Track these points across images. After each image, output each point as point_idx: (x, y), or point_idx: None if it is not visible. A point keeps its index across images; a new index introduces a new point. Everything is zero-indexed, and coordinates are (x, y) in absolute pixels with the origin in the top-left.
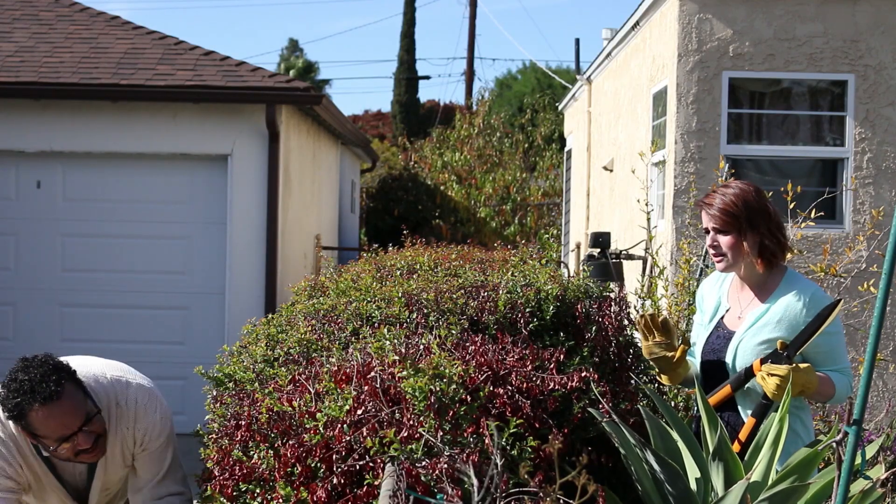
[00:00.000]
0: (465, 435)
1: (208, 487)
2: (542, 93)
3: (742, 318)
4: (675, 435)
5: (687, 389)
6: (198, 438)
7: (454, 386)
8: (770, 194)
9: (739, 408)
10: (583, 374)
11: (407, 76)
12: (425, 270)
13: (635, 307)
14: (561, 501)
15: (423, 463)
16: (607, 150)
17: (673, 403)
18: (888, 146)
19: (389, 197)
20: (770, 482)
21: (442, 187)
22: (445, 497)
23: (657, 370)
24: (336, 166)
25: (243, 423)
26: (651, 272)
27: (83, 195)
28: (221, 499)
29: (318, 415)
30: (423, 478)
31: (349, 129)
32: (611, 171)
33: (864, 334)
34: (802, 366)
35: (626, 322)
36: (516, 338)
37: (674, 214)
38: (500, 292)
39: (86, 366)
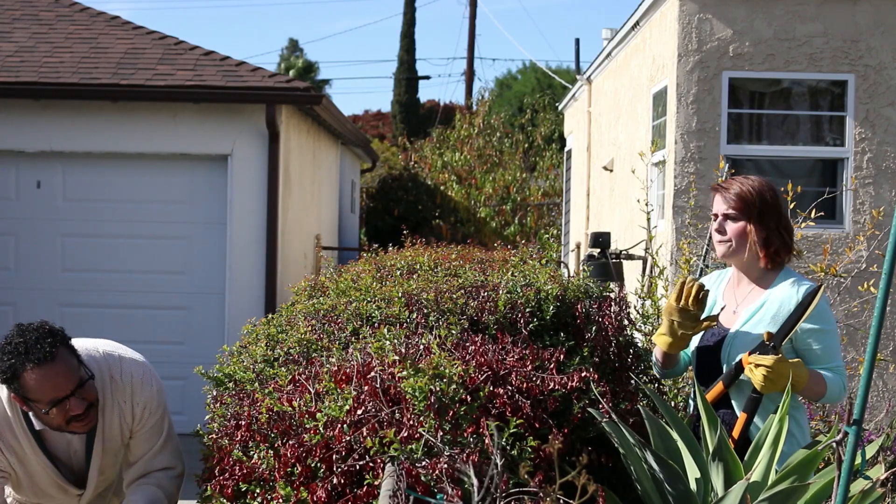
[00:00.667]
0: (465, 435)
1: (208, 487)
2: (542, 93)
3: (737, 313)
4: (674, 435)
5: (687, 389)
6: (198, 438)
7: (454, 386)
8: None
9: (734, 404)
10: (583, 374)
11: (407, 76)
12: (425, 270)
13: (635, 307)
14: (561, 501)
15: (423, 463)
16: (607, 150)
17: (673, 403)
18: (888, 146)
19: (389, 197)
20: (770, 482)
21: (442, 187)
22: (445, 497)
23: (660, 330)
24: (336, 166)
25: (243, 423)
26: (651, 272)
27: (83, 195)
28: (221, 499)
29: (318, 415)
30: (423, 478)
31: (349, 129)
32: (611, 171)
33: (864, 334)
34: (792, 360)
35: (626, 322)
36: (516, 338)
37: (674, 214)
38: (500, 292)
39: (77, 342)
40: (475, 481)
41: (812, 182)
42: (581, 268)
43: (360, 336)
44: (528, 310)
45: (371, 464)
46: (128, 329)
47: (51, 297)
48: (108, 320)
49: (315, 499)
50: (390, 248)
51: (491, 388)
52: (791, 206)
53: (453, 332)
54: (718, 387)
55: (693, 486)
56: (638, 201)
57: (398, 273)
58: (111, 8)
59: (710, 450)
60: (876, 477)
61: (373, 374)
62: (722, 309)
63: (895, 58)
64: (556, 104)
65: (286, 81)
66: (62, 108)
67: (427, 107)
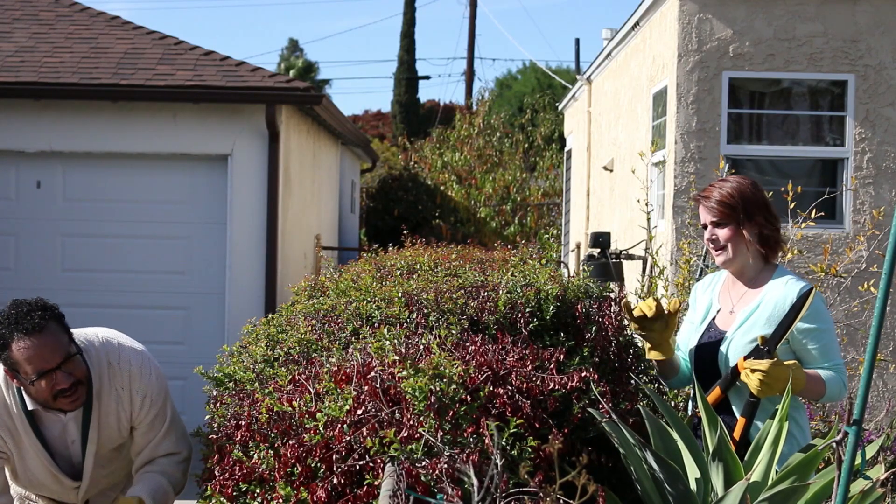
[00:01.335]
0: (465, 435)
1: (208, 487)
2: (542, 93)
3: (734, 313)
4: (674, 435)
5: (687, 388)
6: (198, 438)
7: (454, 386)
8: (770, 194)
9: (734, 409)
10: (583, 374)
11: (407, 76)
12: (425, 270)
13: (635, 307)
14: (561, 501)
15: (423, 463)
16: (607, 150)
17: (673, 403)
18: (888, 146)
19: (389, 197)
20: (770, 482)
21: (442, 187)
22: (445, 497)
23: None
24: (336, 166)
25: (243, 423)
26: (651, 272)
27: (83, 195)
28: (221, 499)
29: (318, 415)
30: (423, 478)
31: (349, 129)
32: (611, 171)
33: (864, 334)
34: (788, 363)
35: (626, 322)
36: (516, 338)
37: (674, 214)
38: (500, 292)
39: (77, 330)
40: (475, 481)
41: (812, 182)
42: (581, 268)
43: (360, 336)
44: (528, 310)
45: (371, 464)
46: (128, 329)
47: (51, 297)
48: (108, 320)
49: (315, 499)
50: (390, 248)
51: (491, 388)
52: (791, 206)
53: (453, 332)
54: (715, 392)
55: (693, 486)
56: (638, 201)
57: (398, 273)
58: (111, 8)
59: (711, 450)
60: (876, 477)
61: (373, 374)
62: (718, 311)
63: (895, 58)
64: (556, 104)
65: (286, 81)
66: (62, 108)
67: (427, 107)
